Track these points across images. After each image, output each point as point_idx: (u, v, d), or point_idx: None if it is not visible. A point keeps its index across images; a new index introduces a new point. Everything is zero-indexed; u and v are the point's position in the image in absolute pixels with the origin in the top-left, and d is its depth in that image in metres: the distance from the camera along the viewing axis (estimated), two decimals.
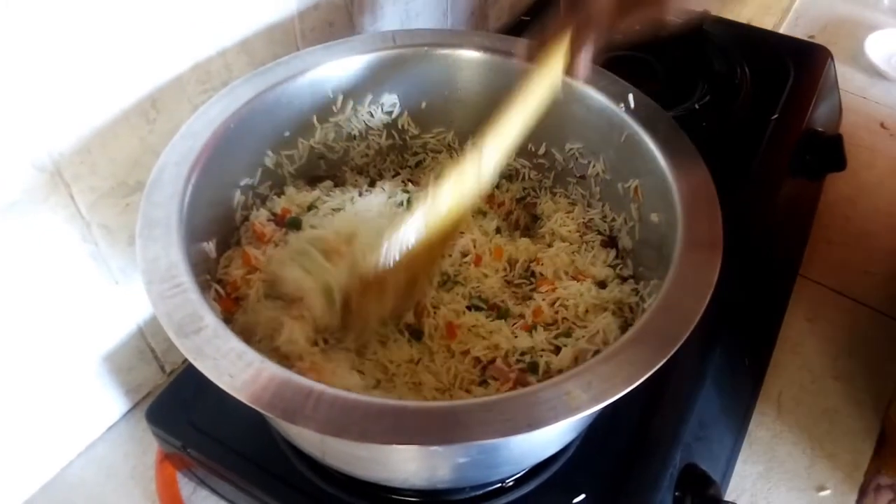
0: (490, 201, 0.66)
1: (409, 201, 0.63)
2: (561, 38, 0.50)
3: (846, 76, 1.09)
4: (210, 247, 0.52)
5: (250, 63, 0.63)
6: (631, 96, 0.57)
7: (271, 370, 0.41)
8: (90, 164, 0.54)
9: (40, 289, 0.55)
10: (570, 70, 0.50)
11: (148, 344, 0.67)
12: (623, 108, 0.57)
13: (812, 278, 0.84)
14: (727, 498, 0.60)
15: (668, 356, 0.41)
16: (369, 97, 0.64)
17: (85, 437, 0.66)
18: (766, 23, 1.15)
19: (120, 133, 0.55)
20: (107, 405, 0.67)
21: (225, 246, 0.56)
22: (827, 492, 0.67)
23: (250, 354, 0.41)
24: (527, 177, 0.68)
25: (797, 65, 0.91)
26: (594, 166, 0.63)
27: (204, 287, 0.46)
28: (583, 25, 0.49)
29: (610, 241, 0.63)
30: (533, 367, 0.52)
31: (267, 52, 0.64)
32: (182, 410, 0.59)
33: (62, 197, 0.53)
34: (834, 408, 0.73)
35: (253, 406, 0.39)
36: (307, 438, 0.48)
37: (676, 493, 0.56)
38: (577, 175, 0.65)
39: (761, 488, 0.67)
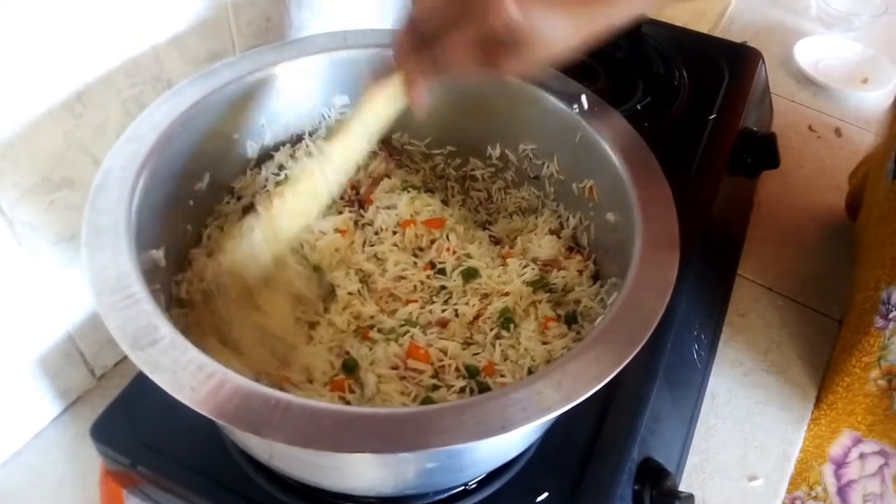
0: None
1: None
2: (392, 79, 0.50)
3: (776, 81, 1.13)
4: (159, 255, 0.50)
5: (181, 58, 0.60)
6: (584, 98, 0.58)
7: (234, 381, 0.39)
8: (11, 159, 0.51)
9: None
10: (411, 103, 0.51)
11: (77, 347, 0.64)
12: (577, 110, 0.58)
13: (744, 275, 0.87)
14: None
15: (635, 353, 0.42)
16: (321, 98, 0.63)
17: (10, 444, 0.63)
18: (702, 28, 1.18)
19: (43, 127, 0.52)
20: (33, 411, 0.63)
21: (175, 254, 0.54)
22: (758, 481, 0.69)
23: (211, 365, 0.40)
24: (481, 178, 0.68)
25: (731, 66, 0.95)
26: (548, 167, 0.63)
27: (155, 297, 0.44)
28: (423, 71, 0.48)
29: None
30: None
31: (199, 46, 0.61)
32: (129, 426, 0.56)
33: None
34: (765, 400, 0.75)
35: (217, 420, 0.37)
36: (275, 454, 0.47)
37: (635, 487, 0.57)
38: (532, 175, 0.65)
39: (696, 479, 0.68)
